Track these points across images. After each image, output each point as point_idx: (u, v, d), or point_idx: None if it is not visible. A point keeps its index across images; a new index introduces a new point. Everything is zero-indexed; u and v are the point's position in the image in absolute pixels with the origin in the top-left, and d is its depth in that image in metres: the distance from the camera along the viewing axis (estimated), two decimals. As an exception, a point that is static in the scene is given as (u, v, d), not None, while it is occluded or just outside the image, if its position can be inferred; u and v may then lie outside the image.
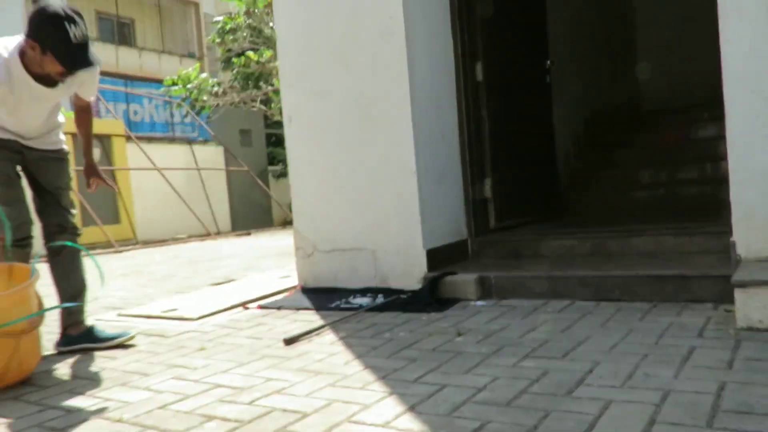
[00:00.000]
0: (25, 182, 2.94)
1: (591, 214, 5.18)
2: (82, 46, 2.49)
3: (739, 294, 2.31)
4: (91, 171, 3.09)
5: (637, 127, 6.89)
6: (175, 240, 10.16)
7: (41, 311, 2.48)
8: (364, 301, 3.51)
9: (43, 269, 2.98)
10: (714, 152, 5.63)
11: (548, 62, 5.08)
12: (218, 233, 11.33)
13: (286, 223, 11.96)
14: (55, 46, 2.46)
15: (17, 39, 2.62)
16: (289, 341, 2.77)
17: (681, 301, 2.83)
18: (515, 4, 4.63)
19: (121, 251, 8.64)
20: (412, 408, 1.82)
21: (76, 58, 2.50)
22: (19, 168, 2.88)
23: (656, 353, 2.11)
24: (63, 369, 2.65)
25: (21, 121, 2.77)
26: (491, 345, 2.42)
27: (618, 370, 1.98)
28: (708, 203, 4.57)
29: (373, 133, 3.69)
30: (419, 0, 3.69)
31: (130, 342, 2.96)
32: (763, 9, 2.64)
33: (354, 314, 3.23)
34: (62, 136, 3.01)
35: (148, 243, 9.87)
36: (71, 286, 2.96)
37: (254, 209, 12.62)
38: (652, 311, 2.73)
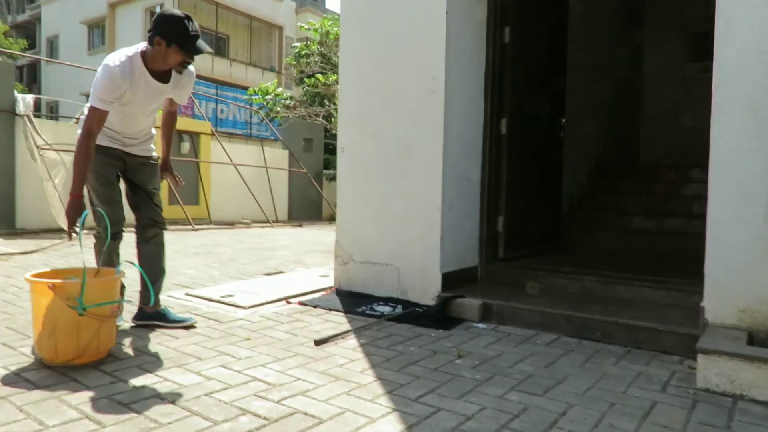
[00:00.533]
0: (121, 183, 3.01)
1: (587, 252, 5.07)
2: (197, 36, 2.69)
3: (701, 359, 2.24)
4: (165, 167, 3.17)
5: (634, 178, 6.72)
6: (241, 223, 10.30)
7: (122, 300, 2.53)
8: (385, 309, 3.51)
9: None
10: (700, 210, 5.45)
11: (563, 120, 5.00)
12: (276, 221, 11.46)
13: (332, 219, 12.01)
14: (178, 39, 2.64)
15: (136, 46, 2.77)
16: (319, 342, 2.78)
17: (651, 350, 2.75)
18: (542, 69, 4.56)
19: (196, 229, 8.80)
20: (409, 428, 1.81)
21: (194, 45, 2.68)
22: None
23: (622, 403, 2.06)
24: (136, 342, 2.70)
25: (131, 119, 2.84)
26: (484, 372, 2.40)
27: (587, 416, 1.93)
28: (688, 256, 4.42)
29: (410, 172, 3.67)
30: (460, 64, 3.66)
31: (191, 325, 3.01)
32: (749, 110, 2.55)
33: (376, 321, 3.23)
34: (153, 146, 3.08)
35: (219, 223, 10.04)
36: (152, 272, 3.01)
37: (307, 204, 12.70)
38: (626, 356, 2.66)
